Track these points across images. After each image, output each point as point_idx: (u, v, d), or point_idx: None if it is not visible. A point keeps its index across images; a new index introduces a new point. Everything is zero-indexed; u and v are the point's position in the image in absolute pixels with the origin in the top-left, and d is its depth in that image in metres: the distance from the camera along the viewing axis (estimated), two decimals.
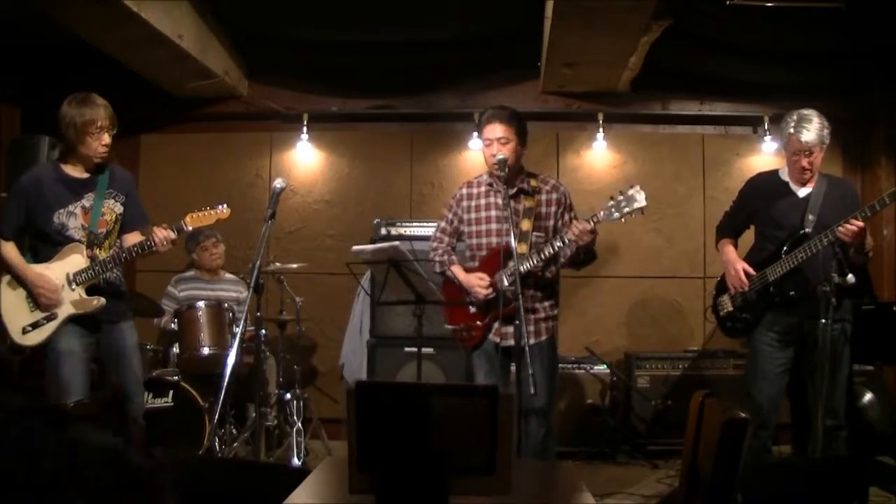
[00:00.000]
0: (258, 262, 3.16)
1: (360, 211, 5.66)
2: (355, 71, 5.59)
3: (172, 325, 4.52)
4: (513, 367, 3.16)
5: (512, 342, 3.24)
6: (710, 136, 5.68)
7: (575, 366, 5.04)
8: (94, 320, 3.37)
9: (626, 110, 5.64)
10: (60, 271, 3.32)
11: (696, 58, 5.20)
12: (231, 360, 2.99)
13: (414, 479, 1.63)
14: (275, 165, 5.74)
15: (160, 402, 4.20)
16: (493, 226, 3.51)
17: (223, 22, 5.11)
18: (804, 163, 3.45)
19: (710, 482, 1.99)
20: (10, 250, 3.34)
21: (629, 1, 3.96)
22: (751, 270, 3.57)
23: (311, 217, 5.73)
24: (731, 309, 3.71)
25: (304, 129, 5.60)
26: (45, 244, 3.36)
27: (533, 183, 3.52)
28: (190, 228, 3.38)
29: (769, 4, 4.27)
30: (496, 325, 3.43)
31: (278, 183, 3.30)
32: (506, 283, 3.32)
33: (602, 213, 3.27)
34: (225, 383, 2.93)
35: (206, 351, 4.40)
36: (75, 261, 3.33)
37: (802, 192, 3.54)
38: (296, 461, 4.44)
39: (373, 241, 4.69)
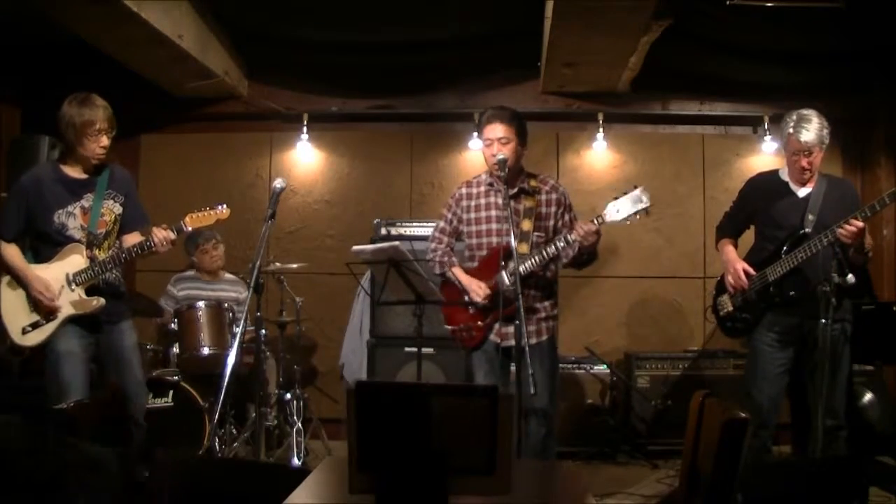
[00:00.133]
0: (258, 262, 3.15)
1: (360, 211, 5.66)
2: (355, 71, 5.59)
3: (172, 324, 4.52)
4: (513, 368, 3.16)
5: (513, 342, 3.24)
6: (710, 136, 5.68)
7: (575, 366, 5.04)
8: (93, 321, 3.37)
9: (626, 110, 5.64)
10: (60, 272, 3.32)
11: (696, 58, 5.20)
12: (231, 360, 2.99)
13: (414, 479, 1.63)
14: (275, 165, 5.74)
15: (160, 402, 4.20)
16: (494, 225, 3.51)
17: (223, 22, 5.11)
18: (804, 163, 3.45)
19: (710, 482, 1.99)
20: (11, 252, 3.34)
21: (629, 1, 3.96)
22: (751, 270, 3.57)
23: (311, 217, 5.73)
24: (731, 309, 3.71)
25: (304, 129, 5.60)
26: (46, 244, 3.35)
27: (532, 183, 3.52)
28: (190, 229, 3.38)
29: (769, 4, 4.27)
30: (497, 325, 3.43)
31: (278, 183, 3.30)
32: (507, 282, 3.32)
33: (606, 213, 3.27)
34: (225, 383, 2.92)
35: (206, 351, 4.40)
36: (75, 261, 3.33)
37: (802, 192, 3.54)
38: (296, 461, 4.44)
39: (373, 241, 4.68)
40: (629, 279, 5.57)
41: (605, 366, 5.03)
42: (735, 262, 3.63)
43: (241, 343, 3.20)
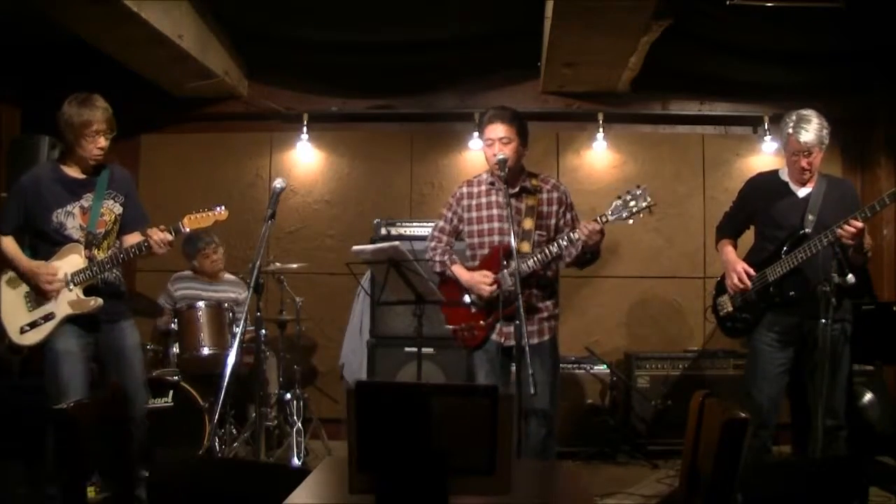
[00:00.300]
0: (258, 262, 3.15)
1: (360, 211, 5.66)
2: (355, 71, 5.59)
3: (172, 324, 4.52)
4: (513, 368, 3.16)
5: (514, 342, 3.23)
6: (710, 136, 5.68)
7: (575, 366, 5.04)
8: (92, 320, 3.36)
9: (626, 110, 5.64)
10: (58, 271, 3.31)
11: (696, 58, 5.20)
12: (231, 360, 2.99)
13: (414, 479, 1.63)
14: (275, 165, 5.74)
15: (160, 402, 4.21)
16: (495, 224, 3.50)
17: (223, 22, 5.11)
18: (803, 163, 3.45)
19: (710, 482, 1.99)
20: (9, 243, 3.34)
21: (629, 1, 3.97)
22: (751, 271, 3.57)
23: (311, 217, 5.73)
24: (730, 309, 3.70)
25: (304, 129, 5.60)
26: (45, 244, 3.35)
27: (534, 182, 3.52)
28: (188, 230, 3.36)
29: (769, 4, 4.27)
30: (499, 325, 3.42)
31: (278, 183, 3.30)
32: (509, 282, 3.32)
33: (610, 212, 3.27)
34: (225, 383, 2.92)
35: (206, 351, 4.40)
36: (73, 261, 3.33)
37: (802, 193, 3.54)
38: (296, 461, 4.44)
39: (373, 241, 4.68)
40: (629, 279, 5.57)
41: (605, 366, 5.03)
42: (735, 264, 3.63)
43: (241, 343, 3.20)
